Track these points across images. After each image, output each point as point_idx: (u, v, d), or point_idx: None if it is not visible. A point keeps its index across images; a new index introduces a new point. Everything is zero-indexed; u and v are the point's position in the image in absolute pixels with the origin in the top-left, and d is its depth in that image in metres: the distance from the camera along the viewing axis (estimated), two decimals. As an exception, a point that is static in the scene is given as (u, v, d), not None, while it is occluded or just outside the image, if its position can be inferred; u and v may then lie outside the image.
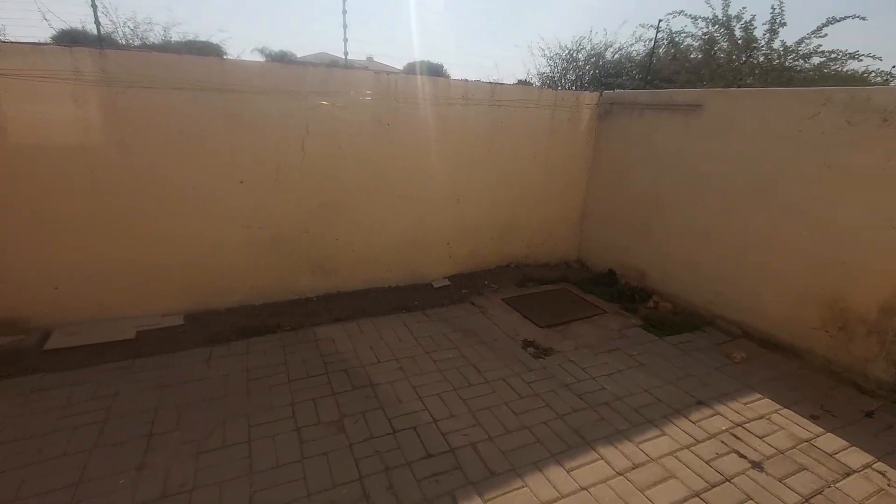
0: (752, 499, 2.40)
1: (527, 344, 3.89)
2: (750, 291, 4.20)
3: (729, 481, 2.50)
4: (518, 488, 2.38)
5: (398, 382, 3.25)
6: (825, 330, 3.71)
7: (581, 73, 11.28)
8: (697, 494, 2.40)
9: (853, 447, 2.80)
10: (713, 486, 2.46)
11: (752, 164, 4.09)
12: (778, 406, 3.19)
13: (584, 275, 5.68)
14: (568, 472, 2.51)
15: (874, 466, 2.65)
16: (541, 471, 2.51)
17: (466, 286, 5.15)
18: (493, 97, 4.97)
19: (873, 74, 7.93)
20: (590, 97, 5.65)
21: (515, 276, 5.52)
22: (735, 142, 4.20)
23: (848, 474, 2.59)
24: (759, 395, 3.30)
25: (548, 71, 12.00)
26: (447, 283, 5.24)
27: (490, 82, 5.01)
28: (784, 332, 3.98)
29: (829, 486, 2.49)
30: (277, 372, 3.28)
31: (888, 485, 2.52)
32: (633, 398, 3.20)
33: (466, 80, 4.82)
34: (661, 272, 5.05)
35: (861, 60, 7.70)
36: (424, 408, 2.99)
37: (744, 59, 7.26)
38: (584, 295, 4.99)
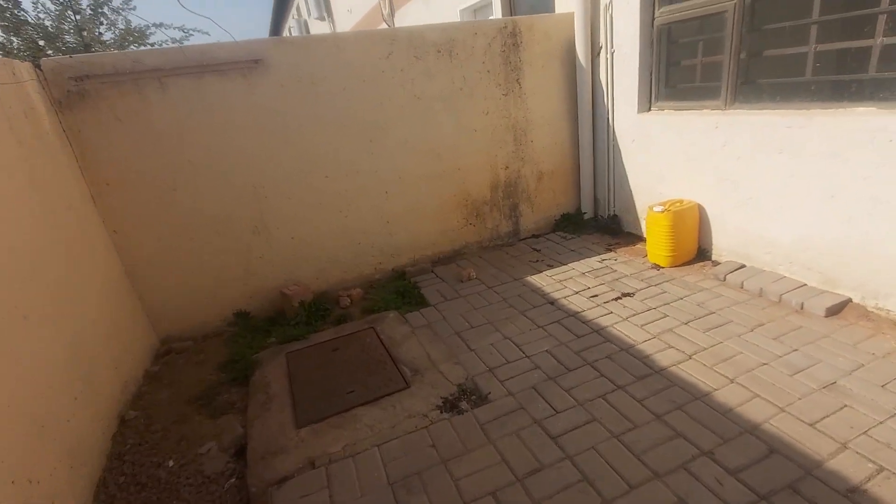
0: (656, 309, 3.24)
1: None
2: (409, 229, 4.41)
3: (654, 310, 3.20)
4: (773, 433, 2.06)
5: None
6: (470, 224, 4.68)
7: None
8: (676, 319, 2.98)
9: (580, 273, 4.13)
10: (651, 312, 3.09)
11: (355, 111, 3.92)
12: (533, 283, 4.00)
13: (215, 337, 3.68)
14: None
15: (603, 262, 4.11)
16: (730, 412, 2.22)
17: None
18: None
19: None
20: (27, 70, 2.96)
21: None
22: (326, 93, 3.80)
23: (623, 279, 3.89)
24: (524, 281, 3.95)
25: None
26: None
27: None
28: (446, 243, 4.63)
29: (620, 281, 3.73)
30: None
31: (628, 260, 4.06)
32: (535, 337, 3.02)
33: None
34: (318, 269, 4.16)
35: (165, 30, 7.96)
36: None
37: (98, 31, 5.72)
38: (304, 342, 3.41)
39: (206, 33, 7.77)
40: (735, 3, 3.21)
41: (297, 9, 20.38)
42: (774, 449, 1.98)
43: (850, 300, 2.90)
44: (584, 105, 4.57)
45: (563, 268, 4.06)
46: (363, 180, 4.11)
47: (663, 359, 2.67)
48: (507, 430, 2.31)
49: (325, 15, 14.94)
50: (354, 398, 2.66)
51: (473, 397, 2.59)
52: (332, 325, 3.71)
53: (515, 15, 5.87)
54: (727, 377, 2.45)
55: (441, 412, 2.49)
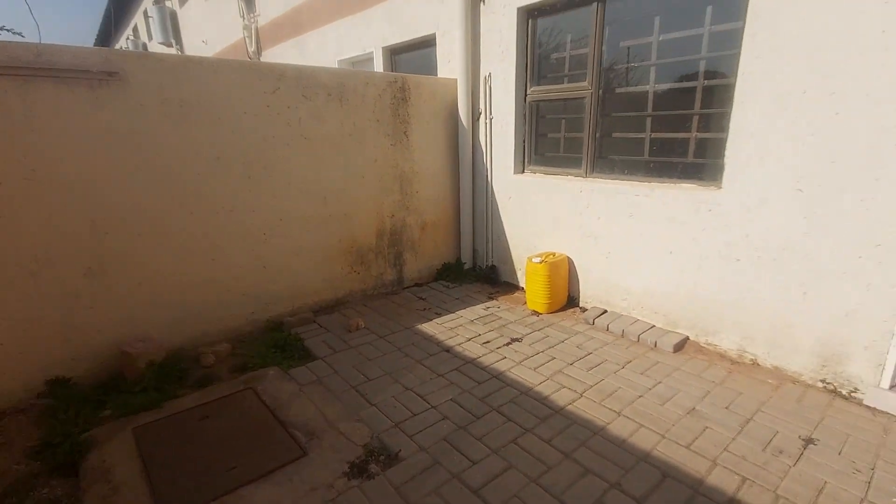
0: (543, 352, 3.50)
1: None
2: (289, 275, 4.04)
3: (542, 353, 3.43)
4: None
5: None
6: (354, 271, 4.48)
7: None
8: (563, 362, 3.24)
9: (468, 320, 4.25)
10: (551, 349, 3.33)
11: (232, 144, 3.56)
12: (425, 331, 3.99)
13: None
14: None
15: (488, 309, 4.29)
16: None
17: None
18: None
19: None
20: None
21: None
22: (198, 120, 3.39)
23: (509, 325, 4.09)
24: (416, 330, 3.90)
25: None
26: None
27: None
28: (329, 291, 4.34)
29: (505, 328, 3.96)
30: None
31: (510, 308, 4.28)
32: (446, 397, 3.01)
33: None
34: (173, 320, 3.49)
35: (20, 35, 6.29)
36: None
37: None
38: (157, 413, 2.77)
39: (20, 34, 6.03)
40: (591, 92, 3.88)
41: (135, 29, 18.27)
42: (667, 473, 2.22)
43: (687, 338, 3.51)
44: (465, 162, 4.90)
45: (452, 315, 4.12)
46: (239, 219, 3.68)
47: (560, 398, 2.83)
48: (425, 489, 2.15)
49: (173, 41, 13.63)
50: (239, 475, 2.20)
51: (382, 457, 2.37)
52: (194, 388, 3.09)
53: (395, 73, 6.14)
54: (615, 411, 2.70)
55: (349, 479, 2.21)
